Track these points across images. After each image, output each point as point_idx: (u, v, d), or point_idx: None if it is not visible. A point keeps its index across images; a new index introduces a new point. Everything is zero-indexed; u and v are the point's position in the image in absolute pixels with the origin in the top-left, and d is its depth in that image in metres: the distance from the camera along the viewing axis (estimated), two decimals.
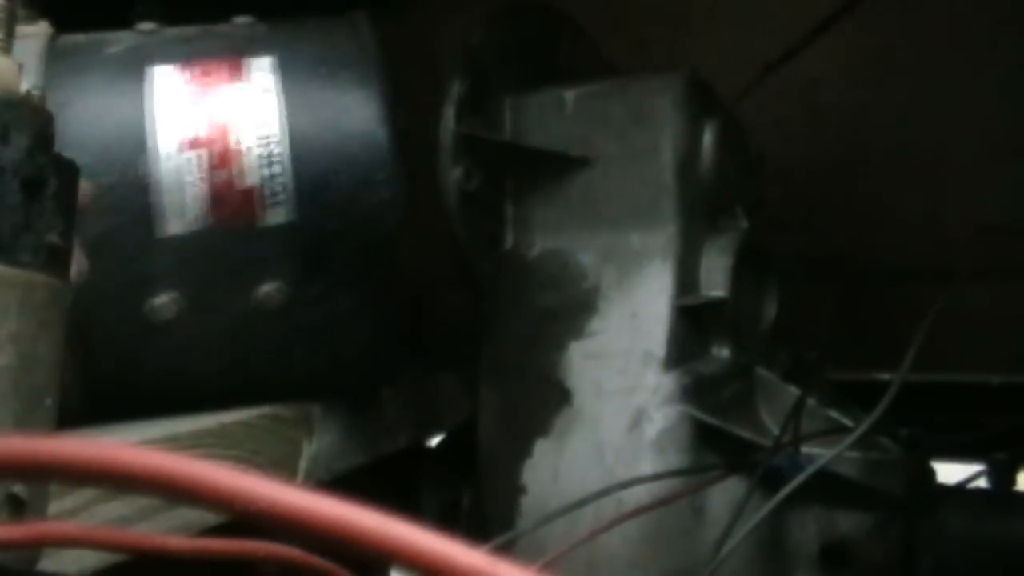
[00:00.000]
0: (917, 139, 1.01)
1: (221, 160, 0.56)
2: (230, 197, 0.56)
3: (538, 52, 0.84)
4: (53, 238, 0.34)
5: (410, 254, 0.61)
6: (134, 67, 0.58)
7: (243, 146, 0.56)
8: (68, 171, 0.36)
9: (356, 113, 0.60)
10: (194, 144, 0.56)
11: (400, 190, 0.60)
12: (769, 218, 0.87)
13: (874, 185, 1.03)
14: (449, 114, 0.76)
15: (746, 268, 0.77)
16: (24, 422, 0.33)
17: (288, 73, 0.59)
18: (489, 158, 0.79)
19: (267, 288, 0.57)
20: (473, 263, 0.80)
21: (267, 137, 0.57)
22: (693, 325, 0.74)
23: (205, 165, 0.56)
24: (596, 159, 0.76)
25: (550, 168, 0.78)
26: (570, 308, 0.75)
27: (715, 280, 0.75)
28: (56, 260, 0.35)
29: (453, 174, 0.77)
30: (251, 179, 0.56)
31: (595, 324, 0.74)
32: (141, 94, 0.57)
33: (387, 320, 0.62)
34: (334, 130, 0.59)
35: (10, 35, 0.36)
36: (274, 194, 0.57)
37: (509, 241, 0.80)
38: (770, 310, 0.83)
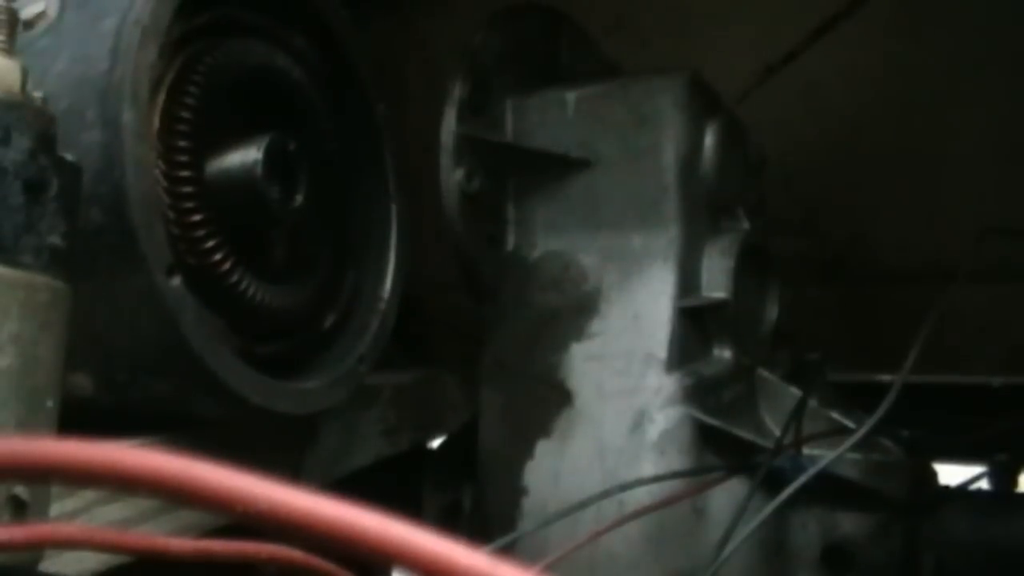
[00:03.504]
0: (917, 140, 1.01)
1: None
2: None
3: (539, 53, 0.84)
4: (55, 239, 0.35)
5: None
6: None
7: None
8: (70, 172, 0.36)
9: (99, 43, 0.57)
10: None
11: (139, 139, 0.55)
12: (770, 219, 0.87)
13: (874, 186, 1.03)
14: (450, 115, 0.76)
15: (747, 269, 0.77)
16: (26, 424, 0.33)
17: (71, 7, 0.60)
18: (490, 159, 0.79)
19: None
20: (474, 264, 0.80)
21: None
22: (695, 326, 0.74)
23: None
24: (597, 160, 0.76)
25: (551, 169, 0.78)
26: (571, 309, 0.75)
27: (716, 281, 0.75)
28: (58, 262, 0.35)
29: (454, 175, 0.77)
30: None
31: (596, 325, 0.74)
32: None
33: (156, 324, 0.57)
34: (72, 65, 0.57)
35: (11, 37, 0.36)
36: None
37: (510, 242, 0.80)
38: (771, 311, 0.83)
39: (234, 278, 0.62)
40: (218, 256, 0.60)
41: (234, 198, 0.61)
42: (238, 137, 0.62)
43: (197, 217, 0.59)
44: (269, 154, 0.61)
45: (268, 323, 0.66)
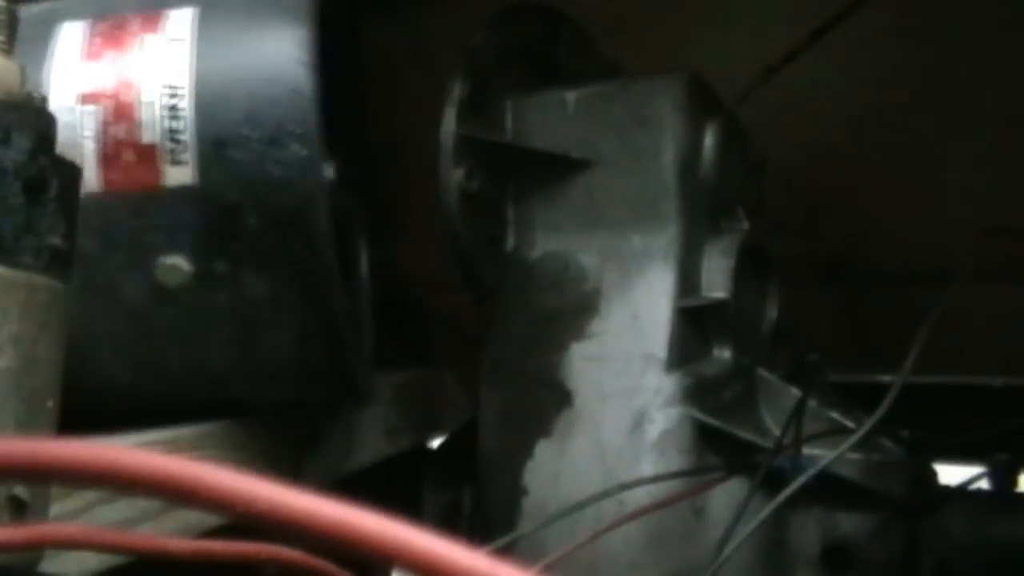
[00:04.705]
0: (917, 140, 1.01)
1: (118, 114, 0.50)
2: (126, 155, 0.50)
3: (539, 53, 0.84)
4: (55, 240, 0.35)
5: (335, 232, 0.52)
6: (44, 26, 0.53)
7: (144, 99, 0.51)
8: (70, 173, 0.36)
9: (272, 56, 0.52)
10: (91, 98, 0.51)
11: (317, 149, 0.51)
12: (770, 220, 0.87)
13: (875, 186, 1.03)
14: (450, 115, 0.76)
15: (747, 270, 0.77)
16: (25, 424, 0.33)
17: (208, 20, 0.53)
18: (490, 160, 0.79)
19: (168, 261, 0.51)
20: (474, 265, 0.80)
21: (173, 88, 0.51)
22: (694, 326, 0.74)
23: (101, 120, 0.50)
24: (597, 160, 0.76)
25: (551, 169, 0.78)
26: (571, 309, 0.75)
27: (716, 281, 0.75)
28: (58, 262, 0.35)
29: (454, 176, 0.77)
30: (150, 135, 0.50)
31: (596, 325, 0.74)
32: (45, 50, 0.52)
33: (313, 313, 0.53)
34: (247, 78, 0.51)
35: (11, 37, 0.36)
36: (174, 152, 0.50)
37: (510, 243, 0.80)
38: (771, 311, 0.83)
39: None
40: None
41: None
42: None
43: None
44: None
45: None
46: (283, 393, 0.59)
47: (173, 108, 0.51)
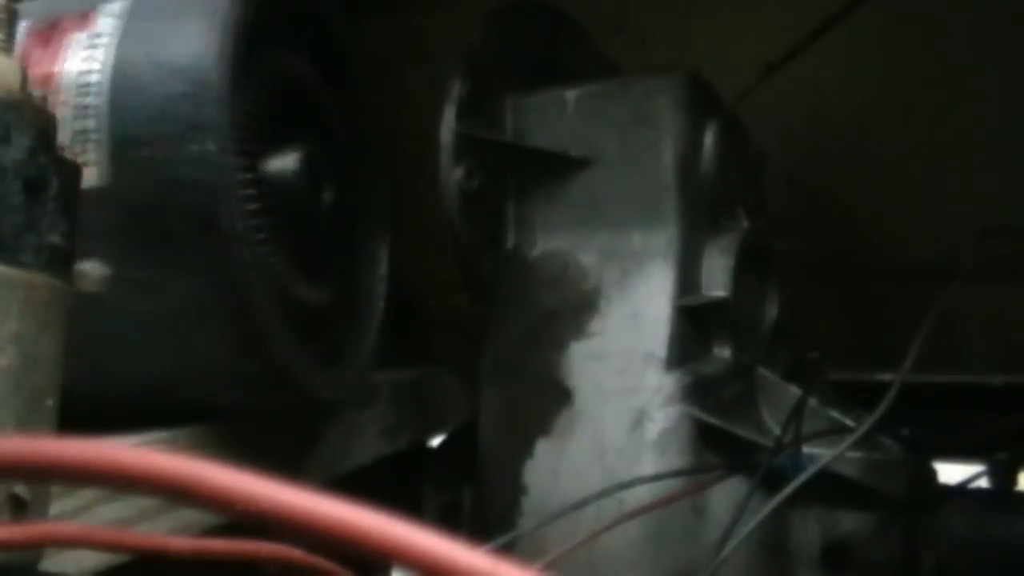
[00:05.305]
0: (917, 139, 1.01)
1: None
2: None
3: (539, 52, 0.84)
4: (55, 238, 0.35)
5: (252, 231, 0.50)
6: None
7: (60, 99, 0.49)
8: (70, 172, 0.36)
9: (186, 50, 0.49)
10: None
11: (230, 144, 0.48)
12: (770, 218, 0.87)
13: (875, 185, 1.03)
14: (450, 114, 0.76)
15: (747, 268, 0.77)
16: (25, 423, 0.33)
17: (135, 16, 0.51)
18: (490, 158, 0.79)
19: (82, 267, 0.48)
20: (474, 263, 0.80)
21: (87, 87, 0.49)
22: (694, 325, 0.74)
23: None
24: (597, 159, 0.76)
25: (551, 168, 0.78)
26: (571, 308, 0.75)
27: (716, 280, 0.75)
28: (58, 260, 0.35)
29: (454, 174, 0.77)
30: (62, 136, 0.47)
31: (596, 324, 0.74)
32: None
33: (236, 317, 0.51)
34: (161, 73, 0.49)
35: (11, 36, 0.36)
36: (85, 152, 0.48)
37: (510, 241, 0.80)
38: (771, 310, 0.83)
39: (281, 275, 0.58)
40: (269, 252, 0.56)
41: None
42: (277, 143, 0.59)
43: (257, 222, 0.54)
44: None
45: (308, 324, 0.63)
46: (229, 399, 0.57)
47: (86, 107, 0.49)
